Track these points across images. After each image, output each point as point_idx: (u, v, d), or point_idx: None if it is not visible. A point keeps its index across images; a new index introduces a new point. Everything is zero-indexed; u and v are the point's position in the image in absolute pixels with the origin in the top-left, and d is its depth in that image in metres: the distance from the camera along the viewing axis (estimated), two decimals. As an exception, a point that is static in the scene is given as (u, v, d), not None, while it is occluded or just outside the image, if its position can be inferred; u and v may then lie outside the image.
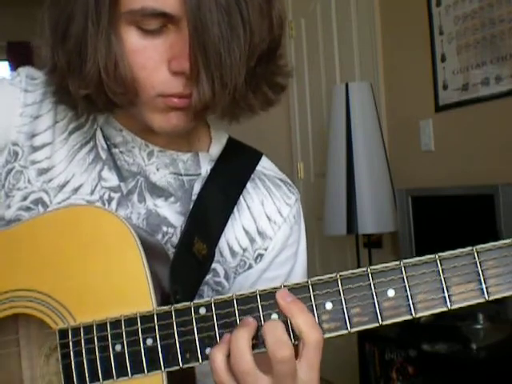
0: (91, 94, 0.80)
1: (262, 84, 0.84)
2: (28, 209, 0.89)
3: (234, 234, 0.95)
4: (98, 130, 0.92)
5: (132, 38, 0.79)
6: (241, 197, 0.96)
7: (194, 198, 0.93)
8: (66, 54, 0.80)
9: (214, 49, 0.75)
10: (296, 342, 0.72)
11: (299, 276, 1.00)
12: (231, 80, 0.77)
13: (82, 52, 0.78)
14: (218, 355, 0.72)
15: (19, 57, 5.31)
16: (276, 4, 0.82)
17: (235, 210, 0.95)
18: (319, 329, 0.71)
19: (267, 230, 0.97)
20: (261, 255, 0.97)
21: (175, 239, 0.91)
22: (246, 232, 0.96)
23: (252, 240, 0.96)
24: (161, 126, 0.84)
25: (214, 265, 0.92)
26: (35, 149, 0.90)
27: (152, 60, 0.79)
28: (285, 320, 0.72)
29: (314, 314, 0.72)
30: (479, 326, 2.43)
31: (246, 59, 0.78)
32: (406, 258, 0.72)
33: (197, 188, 0.94)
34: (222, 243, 0.94)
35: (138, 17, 0.77)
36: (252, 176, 0.98)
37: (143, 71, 0.79)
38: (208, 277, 0.92)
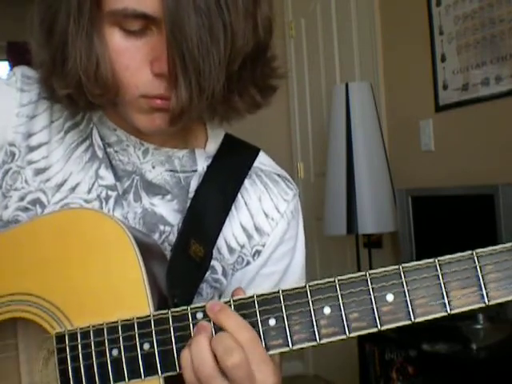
0: (72, 93, 0.81)
1: (250, 87, 0.84)
2: (26, 209, 0.89)
3: (231, 231, 0.95)
4: (94, 128, 0.92)
5: (115, 39, 0.79)
6: (238, 193, 0.96)
7: (190, 195, 0.93)
8: (50, 51, 0.80)
9: (191, 54, 0.74)
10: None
11: (297, 272, 1.00)
12: (209, 86, 0.76)
13: (64, 51, 0.79)
14: (186, 356, 0.73)
15: (19, 57, 5.29)
16: (263, 6, 0.80)
17: (233, 206, 0.95)
18: (249, 328, 0.73)
19: (264, 227, 0.97)
20: (258, 251, 0.97)
21: (172, 237, 0.91)
22: (244, 229, 0.96)
23: (249, 236, 0.96)
24: (145, 126, 0.84)
25: (212, 262, 0.92)
26: (32, 149, 0.90)
27: (135, 60, 0.79)
28: (283, 326, 0.72)
29: (311, 319, 0.72)
30: (479, 326, 2.43)
31: (226, 64, 0.77)
32: (405, 259, 0.72)
33: (193, 185, 0.94)
34: (220, 240, 0.93)
35: (119, 17, 0.77)
36: (249, 172, 0.98)
37: (126, 71, 0.80)
38: (207, 274, 0.92)
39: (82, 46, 0.78)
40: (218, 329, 0.73)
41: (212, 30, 0.74)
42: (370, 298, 0.71)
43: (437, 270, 0.70)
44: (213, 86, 0.77)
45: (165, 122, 0.83)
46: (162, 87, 0.79)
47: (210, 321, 0.74)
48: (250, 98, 0.85)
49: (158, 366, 0.74)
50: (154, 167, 0.93)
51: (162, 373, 0.74)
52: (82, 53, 0.78)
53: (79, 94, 0.80)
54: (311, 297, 0.72)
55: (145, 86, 0.80)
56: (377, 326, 0.71)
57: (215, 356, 0.72)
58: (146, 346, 0.75)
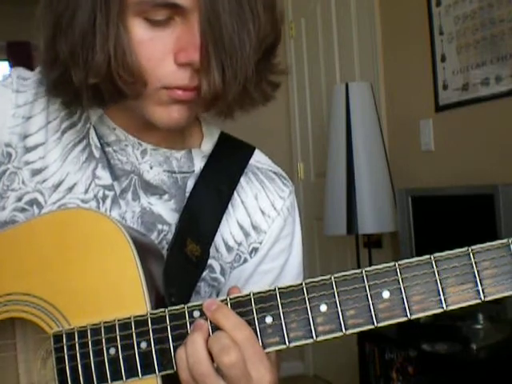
0: (99, 83, 0.80)
1: (262, 79, 0.85)
2: (23, 210, 0.89)
3: (228, 229, 0.95)
4: (92, 128, 0.92)
5: (139, 29, 0.79)
6: (234, 192, 0.96)
7: (187, 195, 0.93)
8: (70, 44, 0.79)
9: (226, 38, 0.77)
10: None
11: (294, 268, 1.01)
12: (242, 69, 0.78)
13: (89, 42, 0.78)
14: (182, 354, 0.73)
15: (19, 57, 5.30)
16: (278, 2, 0.84)
17: (229, 205, 0.95)
18: (246, 326, 0.73)
19: (261, 224, 0.97)
20: (255, 249, 0.97)
21: (170, 236, 0.91)
22: (241, 227, 0.96)
23: (247, 234, 0.97)
24: (161, 119, 0.84)
25: (210, 261, 0.92)
26: (28, 149, 0.90)
27: (158, 51, 0.80)
28: (280, 323, 0.72)
29: (308, 317, 0.72)
30: (479, 326, 2.42)
31: (253, 51, 0.79)
32: (402, 259, 0.71)
33: (190, 185, 0.94)
34: (218, 239, 0.94)
35: (147, 7, 0.77)
36: (245, 170, 0.98)
37: (150, 63, 0.80)
38: (204, 273, 0.92)
39: (112, 36, 0.77)
40: (215, 327, 0.73)
41: (242, 17, 0.77)
42: (366, 295, 0.71)
43: (433, 266, 0.70)
44: (245, 71, 0.79)
45: (182, 115, 0.83)
46: (187, 77, 0.80)
47: (206, 319, 0.74)
48: (262, 91, 0.86)
49: (156, 364, 0.74)
50: (151, 167, 0.93)
51: (159, 371, 0.74)
52: (111, 42, 0.77)
53: (106, 84, 0.80)
54: (307, 294, 0.72)
55: (167, 77, 0.80)
56: (373, 323, 0.71)
57: (211, 354, 0.72)
58: (143, 345, 0.75)
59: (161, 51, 0.80)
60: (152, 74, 0.80)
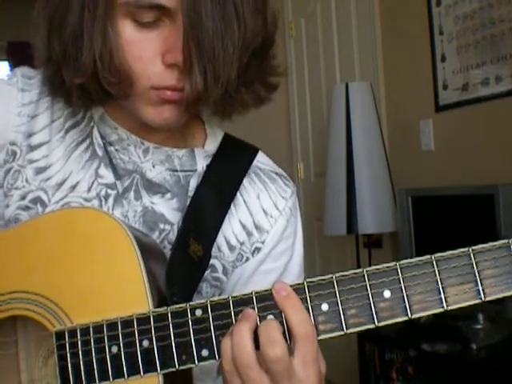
0: (85, 83, 0.80)
1: (255, 81, 0.85)
2: (27, 208, 0.89)
3: (231, 229, 0.95)
4: (95, 127, 0.93)
5: (128, 30, 0.80)
6: (237, 192, 0.96)
7: (190, 194, 0.94)
8: (61, 43, 0.80)
9: (207, 41, 0.76)
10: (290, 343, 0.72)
11: (296, 268, 1.01)
12: (224, 73, 0.78)
13: (78, 41, 0.79)
14: (227, 343, 0.71)
15: (19, 57, 5.30)
16: (269, 2, 0.83)
17: (232, 205, 0.95)
18: (311, 324, 0.71)
19: (264, 224, 0.98)
20: (258, 248, 0.97)
21: (172, 236, 0.92)
22: (243, 226, 0.97)
23: (249, 234, 0.97)
24: (153, 119, 0.84)
25: (212, 260, 0.92)
26: (32, 148, 0.91)
27: (147, 52, 0.80)
28: (281, 321, 0.72)
29: (310, 316, 0.72)
30: (479, 326, 2.42)
31: (239, 54, 0.79)
32: (403, 259, 0.72)
33: (193, 184, 0.94)
34: (220, 238, 0.94)
35: (133, 8, 0.78)
36: (248, 171, 0.99)
37: (138, 63, 0.80)
38: (206, 273, 0.92)
39: (98, 36, 0.78)
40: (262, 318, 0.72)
41: (226, 19, 0.77)
42: (368, 295, 0.71)
43: (433, 266, 0.70)
44: (227, 74, 0.78)
45: (173, 115, 0.84)
46: (174, 78, 0.80)
47: (209, 318, 0.74)
48: (254, 93, 0.86)
49: (157, 362, 0.74)
50: (154, 166, 0.93)
51: (160, 369, 0.74)
52: (97, 42, 0.78)
53: (93, 83, 0.80)
54: (309, 293, 0.72)
55: (156, 78, 0.81)
56: (374, 323, 0.71)
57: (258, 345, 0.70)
58: (146, 343, 0.75)
59: (149, 52, 0.80)
60: (141, 74, 0.81)
